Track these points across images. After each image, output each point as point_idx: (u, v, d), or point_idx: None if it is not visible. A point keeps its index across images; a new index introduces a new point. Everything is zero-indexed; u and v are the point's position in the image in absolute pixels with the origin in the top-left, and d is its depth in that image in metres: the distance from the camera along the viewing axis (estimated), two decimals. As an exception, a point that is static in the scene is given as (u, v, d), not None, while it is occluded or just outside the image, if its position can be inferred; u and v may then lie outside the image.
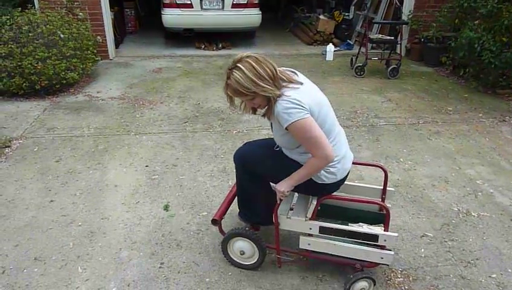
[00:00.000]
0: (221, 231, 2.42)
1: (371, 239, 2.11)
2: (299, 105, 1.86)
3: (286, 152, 2.14)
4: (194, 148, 3.82)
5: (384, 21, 7.47)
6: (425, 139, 4.07)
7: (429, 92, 5.48)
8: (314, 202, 2.14)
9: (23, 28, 4.88)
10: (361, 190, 2.43)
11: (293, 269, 2.38)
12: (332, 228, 2.14)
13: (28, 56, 4.71)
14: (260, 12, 7.57)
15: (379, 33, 7.29)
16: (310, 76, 2.11)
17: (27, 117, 4.45)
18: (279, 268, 2.38)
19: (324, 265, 2.39)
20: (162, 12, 7.28)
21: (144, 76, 5.98)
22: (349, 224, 2.23)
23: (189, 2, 7.14)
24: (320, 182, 2.07)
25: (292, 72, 2.05)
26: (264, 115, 2.04)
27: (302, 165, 2.04)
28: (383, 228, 2.16)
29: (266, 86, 1.86)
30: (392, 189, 2.42)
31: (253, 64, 1.87)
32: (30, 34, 4.85)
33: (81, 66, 5.30)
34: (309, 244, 2.21)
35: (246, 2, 7.34)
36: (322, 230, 2.14)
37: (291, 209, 2.30)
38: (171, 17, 7.25)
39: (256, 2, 7.46)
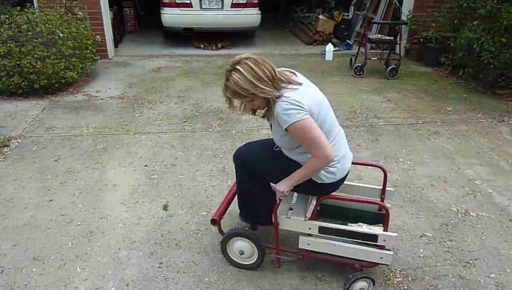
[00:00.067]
0: (220, 231, 2.41)
1: (370, 239, 2.11)
2: (298, 106, 1.86)
3: (286, 152, 2.14)
4: (193, 147, 3.82)
5: (384, 21, 7.47)
6: (424, 139, 4.07)
7: (428, 92, 5.48)
8: (314, 202, 2.14)
9: (22, 27, 4.87)
10: (360, 190, 2.43)
11: (292, 269, 2.38)
12: (331, 228, 2.14)
13: (27, 55, 4.70)
14: (259, 12, 7.56)
15: (378, 33, 7.29)
16: (309, 76, 2.11)
17: (26, 116, 4.44)
18: (278, 268, 2.38)
19: (323, 265, 2.39)
20: (162, 12, 7.28)
21: (143, 75, 5.98)
22: (349, 224, 2.23)
23: (189, 2, 7.14)
24: (319, 182, 2.07)
25: (291, 72, 2.05)
26: (263, 116, 2.04)
27: (301, 165, 2.04)
28: (382, 228, 2.16)
29: (265, 87, 1.86)
30: (392, 189, 2.42)
31: (252, 65, 1.87)
32: (29, 33, 4.84)
33: (80, 66, 5.29)
34: (308, 244, 2.21)
35: (245, 2, 7.33)
36: (322, 230, 2.15)
37: (291, 209, 2.30)
38: (171, 16, 7.25)
39: (255, 1, 7.46)
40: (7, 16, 5.01)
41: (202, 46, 7.71)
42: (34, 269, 2.36)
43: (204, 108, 4.77)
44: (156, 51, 7.44)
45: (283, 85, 1.93)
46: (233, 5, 7.28)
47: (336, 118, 2.16)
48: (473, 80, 5.67)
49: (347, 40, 8.06)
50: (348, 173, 2.17)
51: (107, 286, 2.26)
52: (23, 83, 4.76)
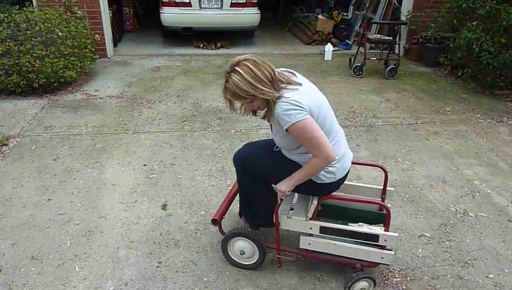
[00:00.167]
0: (221, 231, 2.41)
1: (371, 239, 2.11)
2: (298, 106, 1.86)
3: (285, 153, 2.14)
4: (192, 147, 3.82)
5: (383, 21, 7.48)
6: (423, 140, 4.07)
7: (427, 92, 5.49)
8: (315, 202, 2.14)
9: (21, 26, 4.86)
10: (361, 190, 2.43)
11: (291, 269, 2.38)
12: (332, 228, 2.14)
13: (25, 54, 4.69)
14: (259, 12, 7.56)
15: (378, 33, 7.30)
16: (308, 76, 2.11)
17: (25, 115, 4.43)
18: (279, 268, 2.38)
19: (322, 265, 2.39)
20: (161, 11, 7.27)
21: (142, 75, 5.97)
22: (349, 224, 2.23)
23: (188, 1, 7.13)
24: (319, 182, 2.07)
25: (290, 73, 2.05)
26: (263, 117, 2.04)
27: (301, 166, 2.05)
28: (382, 228, 2.16)
29: (265, 88, 1.86)
30: (392, 189, 2.43)
31: (251, 67, 1.87)
32: (28, 32, 4.83)
33: (79, 65, 5.28)
34: (309, 244, 2.20)
35: (244, 1, 7.33)
36: (323, 230, 2.14)
37: (292, 209, 2.30)
38: (170, 15, 7.24)
39: (255, 1, 7.45)
40: (6, 15, 5.00)
41: (201, 45, 7.70)
42: (33, 268, 2.36)
43: (203, 107, 4.77)
44: (155, 50, 7.43)
45: (283, 86, 1.93)
46: (233, 5, 7.28)
47: (335, 118, 2.17)
48: (472, 80, 5.67)
49: (346, 40, 8.06)
50: (348, 172, 2.17)
51: (106, 285, 2.25)
52: (22, 82, 4.75)
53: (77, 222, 2.75)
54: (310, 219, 2.16)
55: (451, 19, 6.33)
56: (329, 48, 7.06)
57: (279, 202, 2.14)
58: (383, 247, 2.13)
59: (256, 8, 7.51)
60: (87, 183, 3.21)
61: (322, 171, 2.04)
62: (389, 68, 5.99)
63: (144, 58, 6.87)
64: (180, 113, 4.61)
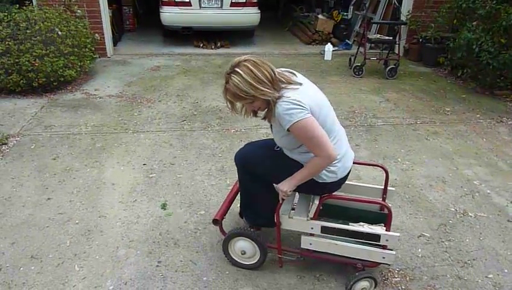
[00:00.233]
0: (222, 231, 2.41)
1: (372, 239, 2.11)
2: (299, 105, 1.86)
3: (287, 152, 2.14)
4: (191, 146, 3.82)
5: (383, 21, 7.48)
6: (423, 140, 4.08)
7: (427, 92, 5.49)
8: (316, 202, 2.13)
9: (21, 25, 4.85)
10: (362, 190, 2.43)
11: (290, 269, 2.38)
12: (334, 228, 2.14)
13: (25, 53, 4.69)
14: (259, 11, 7.56)
15: (377, 33, 7.30)
16: (308, 75, 2.11)
17: (24, 114, 4.43)
18: (280, 268, 2.38)
19: (321, 265, 2.39)
20: (161, 11, 7.27)
21: (142, 74, 5.97)
22: (350, 224, 2.23)
23: (188, 1, 7.13)
24: (320, 181, 2.07)
25: (291, 72, 2.05)
26: (264, 118, 2.04)
27: (302, 165, 2.05)
28: (383, 228, 2.16)
29: (265, 89, 1.86)
30: (393, 189, 2.43)
31: (251, 68, 1.87)
32: (28, 31, 4.83)
33: (79, 64, 5.28)
34: (311, 244, 2.20)
35: (244, 1, 7.33)
36: (324, 230, 2.14)
37: (293, 209, 2.30)
38: (170, 15, 7.24)
39: (255, 1, 7.45)
40: (6, 14, 4.99)
41: (201, 45, 7.70)
42: (32, 268, 2.35)
43: (203, 107, 4.77)
44: (155, 49, 7.43)
45: (283, 86, 1.93)
46: (233, 4, 7.27)
47: (336, 118, 2.17)
48: (471, 81, 5.68)
49: (346, 40, 8.06)
50: (349, 172, 2.17)
51: (105, 284, 2.25)
52: (21, 81, 4.75)
53: (77, 221, 2.75)
54: (311, 218, 2.15)
55: (451, 19, 6.33)
56: (329, 47, 7.06)
57: (280, 201, 2.14)
58: (384, 247, 2.13)
59: (256, 7, 7.51)
60: (87, 182, 3.21)
61: (324, 171, 2.03)
62: (389, 68, 5.99)
63: (144, 58, 6.86)
64: (179, 112, 4.61)
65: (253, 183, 2.29)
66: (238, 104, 2.04)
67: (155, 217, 2.82)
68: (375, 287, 2.19)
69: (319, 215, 2.16)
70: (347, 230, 2.15)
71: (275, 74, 1.91)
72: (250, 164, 2.27)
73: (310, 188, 2.12)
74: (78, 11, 6.15)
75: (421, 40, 6.75)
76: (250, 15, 7.47)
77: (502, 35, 5.09)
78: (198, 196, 3.07)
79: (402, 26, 6.73)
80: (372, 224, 2.23)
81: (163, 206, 2.93)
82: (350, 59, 6.47)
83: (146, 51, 7.25)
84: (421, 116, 4.64)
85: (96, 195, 3.05)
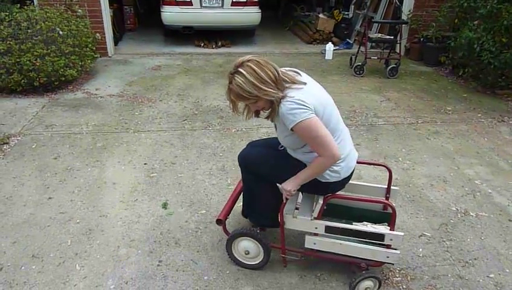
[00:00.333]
0: (225, 231, 2.40)
1: (376, 238, 2.11)
2: (303, 105, 1.86)
3: (290, 152, 2.14)
4: (192, 146, 3.82)
5: (384, 20, 7.46)
6: (424, 139, 4.07)
7: (428, 91, 5.48)
8: (320, 201, 2.13)
9: (22, 25, 4.86)
10: (365, 189, 2.43)
11: (291, 268, 2.38)
12: (338, 227, 2.13)
13: (26, 53, 4.69)
14: (260, 11, 7.55)
15: (378, 32, 7.29)
16: (309, 75, 2.11)
17: (25, 114, 4.43)
18: (284, 267, 2.37)
19: (322, 264, 2.39)
20: (161, 10, 7.27)
21: (143, 73, 5.97)
22: (353, 223, 2.23)
23: (189, 0, 7.13)
24: (324, 181, 2.07)
25: (295, 72, 2.04)
26: (267, 118, 2.03)
27: (305, 165, 2.04)
28: (387, 227, 2.16)
29: (269, 89, 1.86)
30: (396, 188, 2.43)
31: (255, 68, 1.86)
32: (29, 31, 4.83)
33: (80, 63, 5.28)
34: (315, 243, 2.20)
35: (245, 0, 7.32)
36: (328, 229, 2.14)
37: (297, 208, 2.30)
38: (170, 14, 7.24)
39: (255, 0, 7.44)
40: (7, 14, 5.00)
41: (202, 44, 7.70)
42: (33, 267, 2.36)
43: (204, 106, 4.77)
44: (156, 49, 7.43)
45: (287, 85, 1.93)
46: (234, 4, 7.27)
47: (340, 117, 2.16)
48: (473, 80, 5.67)
49: (347, 39, 8.05)
50: (353, 172, 2.17)
51: (106, 283, 2.26)
52: (22, 81, 4.75)
53: (78, 221, 2.75)
54: (316, 218, 2.15)
55: (453, 18, 6.32)
56: (330, 47, 7.05)
57: (284, 201, 2.13)
58: (388, 246, 2.12)
59: (257, 7, 7.50)
60: (88, 182, 3.21)
61: (327, 171, 2.03)
62: (389, 67, 5.98)
63: (145, 57, 6.87)
64: (180, 112, 4.61)
65: (257, 183, 2.28)
66: (240, 105, 2.04)
67: (156, 217, 2.82)
68: (379, 287, 2.18)
69: (322, 214, 2.16)
70: (351, 230, 2.14)
71: (278, 74, 1.91)
72: (254, 164, 2.27)
73: (313, 187, 2.12)
74: (79, 10, 6.15)
75: (422, 39, 6.74)
76: (251, 14, 7.47)
77: (503, 34, 5.08)
78: (199, 195, 3.07)
79: (403, 25, 6.72)
80: (375, 223, 2.23)
81: (164, 206, 2.93)
82: (351, 58, 6.46)
83: (147, 51, 7.26)
84: (422, 116, 4.64)
85: (97, 194, 3.05)
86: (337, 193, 2.16)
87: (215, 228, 2.69)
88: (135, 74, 5.92)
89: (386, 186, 2.40)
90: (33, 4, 5.91)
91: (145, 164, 3.49)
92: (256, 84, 1.85)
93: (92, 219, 2.77)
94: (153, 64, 6.43)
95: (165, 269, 2.37)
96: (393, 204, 2.17)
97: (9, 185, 3.15)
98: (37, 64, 4.70)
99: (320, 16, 8.38)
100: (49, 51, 4.83)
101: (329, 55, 7.02)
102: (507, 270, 2.42)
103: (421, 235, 2.69)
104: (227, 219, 2.40)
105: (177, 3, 7.14)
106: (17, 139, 3.86)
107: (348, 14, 8.51)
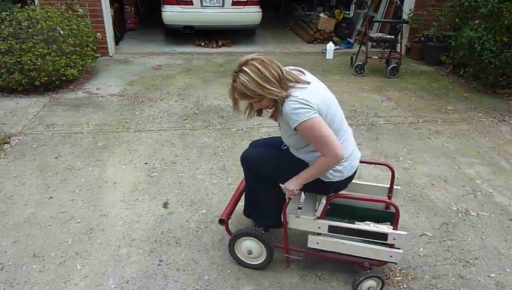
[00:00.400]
0: (228, 230, 2.39)
1: (379, 238, 2.10)
2: (307, 105, 1.86)
3: (293, 151, 2.14)
4: (193, 145, 3.82)
5: (385, 20, 7.46)
6: (424, 138, 4.07)
7: (429, 91, 5.47)
8: (323, 201, 2.12)
9: (23, 24, 4.86)
10: (367, 189, 2.43)
11: (292, 268, 2.38)
12: (341, 227, 2.13)
13: (27, 52, 4.70)
14: (260, 10, 7.55)
15: (379, 32, 7.28)
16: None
17: (26, 113, 4.44)
18: (287, 267, 2.37)
19: (323, 264, 2.39)
20: (162, 9, 7.26)
21: (144, 73, 5.97)
22: (356, 222, 2.23)
23: (190, -1, 7.13)
24: (326, 180, 2.07)
25: (299, 71, 2.04)
26: (271, 117, 2.03)
27: (308, 164, 2.04)
28: (389, 227, 2.16)
29: (272, 88, 1.86)
30: (399, 187, 2.42)
31: (259, 66, 1.86)
32: (30, 30, 4.83)
33: (81, 63, 5.28)
34: (317, 243, 2.20)
35: (246, 0, 7.32)
36: (331, 229, 2.14)
37: (300, 208, 2.30)
38: (171, 14, 7.23)
39: (256, -1, 7.45)
40: (8, 13, 5.00)
41: (203, 44, 7.70)
42: (34, 266, 2.36)
43: (204, 106, 4.77)
44: (157, 48, 7.43)
45: (291, 84, 1.93)
46: (234, 3, 7.27)
47: (344, 117, 2.16)
48: (473, 79, 5.66)
49: (348, 39, 8.04)
50: (356, 171, 2.17)
51: (107, 283, 2.26)
52: (23, 80, 4.75)
53: (78, 220, 2.76)
54: (319, 217, 2.15)
55: (453, 17, 6.31)
56: (330, 46, 7.05)
57: (287, 200, 2.13)
58: (391, 245, 2.12)
59: (258, 6, 7.50)
60: (89, 181, 3.21)
61: (330, 170, 2.03)
62: (390, 67, 5.98)
63: (146, 57, 6.87)
64: (181, 111, 4.61)
65: (259, 183, 2.28)
66: (242, 104, 2.04)
67: (157, 216, 2.82)
68: (382, 286, 2.18)
69: (325, 214, 2.16)
70: (354, 229, 2.14)
71: (282, 73, 1.91)
72: (256, 164, 2.26)
73: (316, 187, 2.11)
74: (80, 10, 6.15)
75: (422, 38, 6.73)
76: (252, 14, 7.46)
77: (504, 33, 5.07)
78: (199, 194, 3.07)
79: (404, 24, 6.71)
80: (377, 223, 2.23)
81: (165, 205, 2.93)
82: (352, 58, 6.46)
83: (148, 50, 7.26)
84: (423, 115, 4.64)
85: (98, 194, 3.05)
86: (340, 192, 2.16)
87: (216, 227, 2.69)
88: (136, 74, 5.92)
89: (389, 186, 2.39)
90: (34, 4, 5.91)
91: (145, 163, 3.49)
92: (260, 83, 1.85)
93: (93, 219, 2.78)
94: (153, 64, 6.43)
95: (166, 269, 2.37)
96: (397, 204, 2.17)
97: (10, 184, 3.15)
98: (38, 63, 4.70)
99: (321, 15, 8.38)
100: (50, 50, 4.84)
101: (330, 55, 7.02)
102: (508, 270, 2.42)
103: (421, 235, 2.69)
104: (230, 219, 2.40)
105: (178, 3, 7.13)
106: (18, 139, 3.86)
107: (348, 14, 8.50)
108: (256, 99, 1.92)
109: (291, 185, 2.06)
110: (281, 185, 2.23)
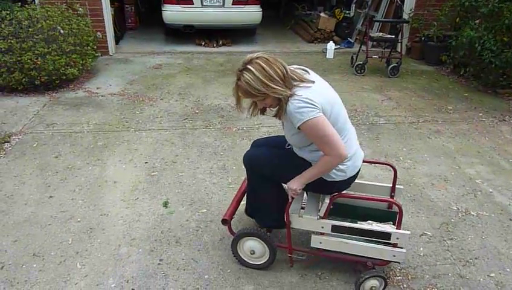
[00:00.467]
0: (230, 230, 2.39)
1: (383, 237, 2.10)
2: (311, 104, 1.86)
3: (296, 150, 2.14)
4: (193, 145, 3.82)
5: (385, 19, 7.45)
6: (425, 138, 4.07)
7: (429, 90, 5.47)
8: (327, 201, 2.12)
9: (23, 23, 4.86)
10: (369, 188, 2.42)
11: (292, 267, 2.38)
12: (344, 227, 2.13)
13: (27, 51, 4.69)
14: (261, 10, 7.54)
15: (380, 31, 7.28)
16: (312, 74, 2.11)
17: (26, 112, 4.44)
18: (291, 267, 2.37)
19: (323, 263, 2.39)
20: (162, 9, 7.26)
21: (144, 72, 5.97)
22: (358, 222, 2.22)
23: (190, -2, 7.13)
24: (329, 180, 2.07)
25: (303, 70, 2.04)
26: (275, 116, 2.03)
27: (310, 163, 2.04)
28: (391, 226, 2.16)
29: (277, 87, 1.86)
30: (401, 186, 2.42)
31: (263, 65, 1.86)
32: (30, 29, 4.83)
33: (81, 62, 5.28)
34: (321, 243, 2.19)
35: (246, -1, 7.32)
36: (334, 228, 2.14)
37: (302, 208, 2.29)
38: (171, 13, 7.23)
39: (256, -2, 7.44)
40: (8, 12, 5.00)
41: (203, 43, 7.69)
42: (34, 265, 2.36)
43: (205, 105, 4.77)
44: (157, 48, 7.43)
45: (295, 83, 1.93)
46: (235, 2, 7.26)
47: (347, 116, 2.16)
48: (474, 79, 5.66)
49: (348, 38, 8.04)
50: (359, 171, 2.17)
51: (107, 282, 2.26)
52: (23, 79, 4.75)
53: (79, 219, 2.76)
54: (322, 217, 2.15)
55: (454, 17, 6.30)
56: (331, 46, 7.04)
57: (290, 200, 2.13)
58: (394, 245, 2.12)
59: (258, 6, 7.49)
60: (89, 180, 3.21)
61: (333, 169, 2.03)
62: (391, 66, 5.98)
63: (146, 56, 6.86)
64: (181, 111, 4.61)
65: (262, 184, 2.27)
66: (245, 102, 2.03)
67: (157, 215, 2.82)
68: (384, 286, 2.18)
69: (328, 214, 2.16)
70: (357, 229, 2.13)
71: (287, 72, 1.91)
72: (258, 164, 2.26)
73: (319, 186, 2.11)
74: (80, 9, 6.15)
75: (423, 38, 6.73)
76: (252, 13, 7.46)
77: (505, 33, 5.07)
78: (199, 194, 3.07)
79: (404, 24, 6.70)
80: (380, 222, 2.23)
81: (165, 205, 2.93)
82: (352, 57, 6.45)
83: (148, 49, 7.25)
84: (423, 115, 4.63)
85: (98, 193, 3.05)
86: (343, 191, 2.15)
87: (216, 227, 2.69)
88: (136, 73, 5.92)
89: (391, 185, 2.39)
90: (34, 3, 5.91)
91: (146, 162, 3.49)
92: (265, 82, 1.85)
93: (93, 218, 2.78)
94: (154, 63, 6.43)
95: (166, 268, 2.37)
96: (400, 203, 2.16)
97: (11, 183, 3.15)
98: (38, 62, 4.70)
99: (322, 14, 8.37)
100: (50, 49, 4.83)
101: (330, 54, 7.01)
102: (508, 270, 2.42)
103: (421, 235, 2.69)
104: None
105: (178, 2, 7.13)
106: (18, 138, 3.86)
107: (349, 13, 8.49)
108: (260, 98, 1.92)
109: (294, 185, 2.05)
110: (283, 185, 2.23)
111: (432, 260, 2.48)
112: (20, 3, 5.41)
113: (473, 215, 2.90)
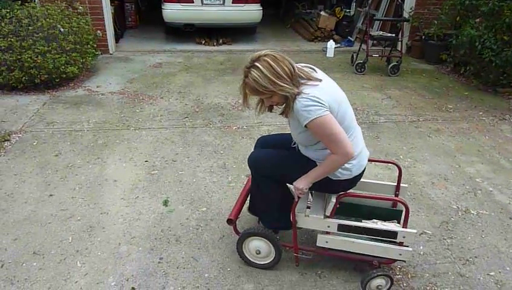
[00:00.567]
0: (235, 230, 2.38)
1: (389, 236, 2.10)
2: (318, 102, 1.85)
3: (301, 149, 2.14)
4: (193, 143, 3.82)
5: (386, 18, 7.44)
6: (425, 137, 4.07)
7: (430, 89, 5.47)
8: (333, 200, 2.11)
9: (23, 22, 4.85)
10: (374, 187, 2.42)
11: (292, 266, 2.38)
12: (350, 226, 2.12)
13: (27, 50, 4.69)
14: (261, 8, 7.53)
15: (380, 30, 7.26)
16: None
17: (26, 111, 4.44)
18: (296, 266, 2.37)
19: (323, 262, 2.39)
20: (163, 7, 7.25)
21: (144, 71, 5.97)
22: (363, 221, 2.22)
23: (190, -3, 7.12)
24: (335, 179, 2.06)
25: (311, 68, 2.04)
26: (281, 113, 2.02)
27: (314, 162, 2.04)
28: (396, 225, 2.16)
29: (284, 84, 1.85)
30: (406, 185, 2.42)
31: (271, 62, 1.85)
32: (30, 28, 4.83)
33: (81, 61, 5.28)
34: (327, 242, 2.19)
35: (246, -2, 7.31)
36: (340, 227, 2.13)
37: (308, 207, 2.29)
38: (172, 12, 7.22)
39: (257, -3, 7.44)
40: (8, 10, 4.99)
41: (203, 42, 7.69)
42: (35, 264, 2.36)
43: (205, 104, 4.76)
44: (157, 46, 7.42)
45: (302, 81, 1.92)
46: (235, 1, 7.25)
47: (354, 115, 2.15)
48: (474, 78, 5.65)
49: (349, 37, 8.04)
50: (364, 170, 2.16)
51: (107, 281, 2.26)
52: (24, 78, 4.75)
53: (79, 218, 2.76)
54: (328, 216, 2.14)
55: (454, 16, 6.29)
56: (331, 44, 7.04)
57: (296, 200, 2.13)
58: (400, 243, 2.12)
59: (258, 4, 7.48)
60: (89, 179, 3.21)
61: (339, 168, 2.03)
62: (391, 65, 5.97)
63: (146, 55, 6.86)
64: (181, 109, 4.61)
65: (267, 185, 2.26)
66: (252, 99, 2.03)
67: (157, 214, 2.82)
68: (390, 285, 2.17)
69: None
70: (363, 227, 2.13)
71: (294, 70, 1.90)
72: (263, 166, 2.24)
73: (325, 185, 2.10)
74: (80, 7, 6.14)
75: (423, 37, 6.72)
76: (252, 12, 7.45)
77: (505, 32, 5.06)
78: (199, 192, 3.07)
79: (405, 23, 6.69)
80: (384, 221, 2.23)
81: (165, 203, 2.94)
82: (352, 56, 6.45)
83: (148, 48, 7.25)
84: (424, 114, 4.63)
85: (98, 192, 3.05)
86: (349, 190, 2.15)
87: (216, 225, 2.69)
88: (136, 71, 5.91)
89: (396, 184, 2.39)
90: (34, 1, 5.90)
91: (146, 161, 3.49)
92: (272, 79, 1.84)
93: (93, 216, 2.78)
94: (154, 62, 6.42)
95: (166, 266, 2.37)
96: (406, 202, 2.16)
97: (11, 182, 3.15)
98: (38, 61, 4.70)
99: (322, 13, 8.37)
100: (50, 48, 4.83)
101: (330, 53, 7.01)
102: (507, 268, 2.42)
103: (421, 233, 2.69)
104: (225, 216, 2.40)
105: (179, 1, 7.12)
106: (18, 136, 3.86)
107: (349, 12, 8.48)
108: (267, 96, 1.92)
109: (300, 184, 2.05)
110: (289, 185, 2.22)
111: (431, 258, 2.48)
112: (20, 2, 5.41)
113: (473, 214, 2.90)
